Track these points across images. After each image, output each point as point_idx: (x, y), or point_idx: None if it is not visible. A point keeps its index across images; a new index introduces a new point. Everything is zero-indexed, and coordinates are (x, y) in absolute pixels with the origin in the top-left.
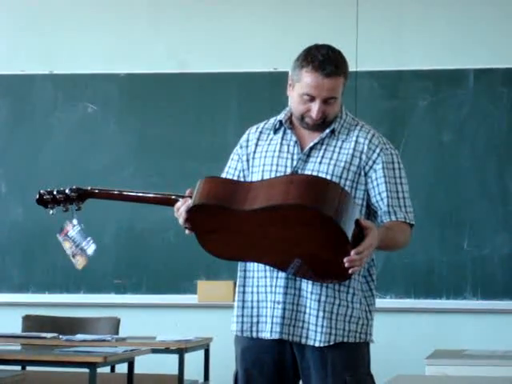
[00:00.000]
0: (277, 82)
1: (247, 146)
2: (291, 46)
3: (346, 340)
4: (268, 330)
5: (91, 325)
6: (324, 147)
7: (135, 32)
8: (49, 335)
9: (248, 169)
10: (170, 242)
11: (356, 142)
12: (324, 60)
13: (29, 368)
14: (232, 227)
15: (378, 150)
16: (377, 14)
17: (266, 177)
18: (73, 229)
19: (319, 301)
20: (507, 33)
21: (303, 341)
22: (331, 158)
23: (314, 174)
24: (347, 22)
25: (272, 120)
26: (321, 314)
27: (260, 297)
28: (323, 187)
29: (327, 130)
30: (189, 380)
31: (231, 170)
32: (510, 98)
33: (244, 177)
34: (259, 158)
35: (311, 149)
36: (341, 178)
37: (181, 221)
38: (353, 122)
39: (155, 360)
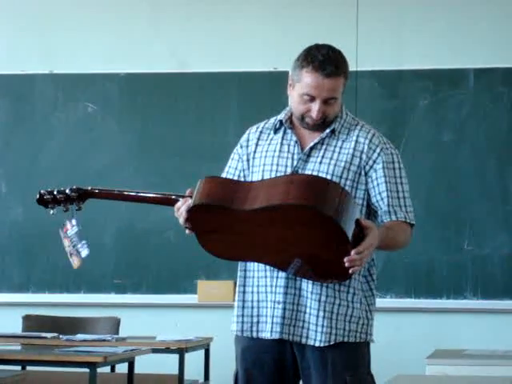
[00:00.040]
0: (277, 81)
1: (247, 146)
2: (291, 46)
3: (346, 340)
4: (268, 330)
5: (91, 325)
6: (324, 147)
7: (135, 32)
8: (49, 335)
9: (248, 168)
10: (170, 242)
11: (356, 141)
12: (324, 60)
13: (29, 368)
14: (232, 227)
15: (378, 150)
16: (377, 14)
17: (267, 176)
18: (71, 228)
19: (319, 301)
20: (507, 32)
21: (303, 341)
22: (331, 158)
23: (315, 173)
24: (347, 21)
25: (272, 120)
26: (321, 313)
27: (260, 297)
28: (323, 187)
29: (327, 130)
30: (189, 380)
31: (231, 170)
32: (510, 98)
33: (244, 176)
34: (259, 157)
35: (311, 149)
36: (341, 177)
37: (181, 221)
38: (353, 121)
39: (155, 360)
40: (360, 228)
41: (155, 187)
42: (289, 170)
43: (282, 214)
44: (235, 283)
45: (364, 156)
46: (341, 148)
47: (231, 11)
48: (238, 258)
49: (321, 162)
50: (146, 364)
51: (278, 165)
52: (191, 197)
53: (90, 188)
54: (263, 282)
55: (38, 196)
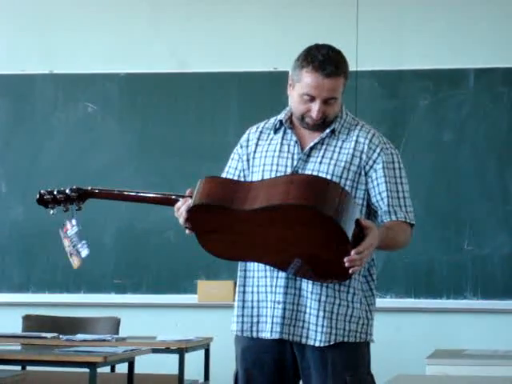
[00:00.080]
0: (277, 81)
1: (247, 146)
2: (291, 46)
3: (346, 340)
4: (268, 330)
5: (91, 325)
6: (324, 147)
7: (135, 32)
8: (49, 335)
9: (248, 168)
10: (170, 242)
11: (356, 141)
12: (324, 60)
13: (29, 368)
14: (232, 227)
15: (378, 150)
16: (377, 14)
17: (267, 176)
18: (71, 228)
19: (319, 301)
20: (507, 32)
21: (303, 341)
22: (331, 158)
23: (315, 173)
24: (347, 21)
25: (272, 120)
26: (321, 313)
27: (260, 297)
28: (323, 187)
29: (327, 130)
30: (189, 380)
31: (231, 170)
32: (510, 98)
33: (244, 176)
34: (259, 157)
35: (311, 149)
36: (341, 177)
37: (181, 221)
38: (353, 121)
39: (155, 360)
40: (360, 228)
41: (155, 187)
42: (289, 170)
43: (281, 214)
44: (235, 283)
45: (364, 156)
46: (341, 148)
47: (231, 11)
48: (238, 258)
49: (321, 162)
50: (146, 364)
51: (278, 165)
52: (191, 197)
53: (90, 188)
54: (263, 282)
55: (38, 196)
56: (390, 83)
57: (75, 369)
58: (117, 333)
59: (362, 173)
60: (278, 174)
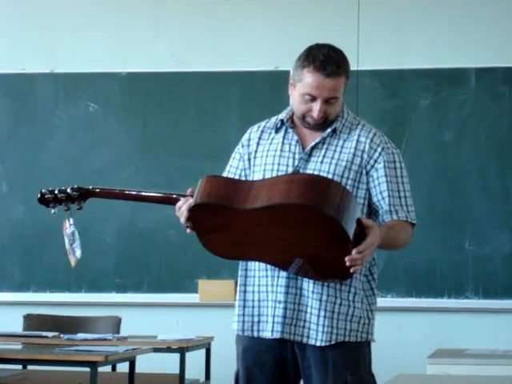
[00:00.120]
0: (278, 80)
1: (249, 145)
2: (292, 45)
3: (347, 339)
4: (269, 330)
5: (92, 324)
6: (325, 146)
7: (136, 31)
8: (50, 334)
9: (249, 168)
10: (172, 241)
11: (357, 141)
12: (325, 60)
13: (30, 367)
14: (233, 226)
15: (379, 149)
16: (378, 13)
17: (268, 176)
18: (69, 227)
19: (320, 300)
20: (508, 32)
21: (304, 340)
22: (333, 158)
23: (316, 173)
24: (348, 20)
25: (273, 119)
26: (322, 313)
27: (261, 296)
28: (324, 186)
29: (329, 130)
30: (190, 379)
31: (233, 169)
32: (511, 97)
33: (245, 176)
34: (261, 157)
35: (313, 148)
36: (342, 177)
37: (182, 220)
38: (354, 121)
39: (156, 359)
40: (361, 227)
41: (156, 186)
42: (290, 170)
43: (282, 214)
44: (236, 282)
45: (365, 155)
46: (342, 147)
47: (232, 10)
48: (239, 257)
49: (322, 162)
50: (146, 363)
51: (279, 164)
52: (192, 196)
53: (91, 187)
54: (264, 282)
55: (39, 195)
56: (391, 82)
57: (76, 368)
58: (118, 332)
59: (364, 172)
60: (280, 174)
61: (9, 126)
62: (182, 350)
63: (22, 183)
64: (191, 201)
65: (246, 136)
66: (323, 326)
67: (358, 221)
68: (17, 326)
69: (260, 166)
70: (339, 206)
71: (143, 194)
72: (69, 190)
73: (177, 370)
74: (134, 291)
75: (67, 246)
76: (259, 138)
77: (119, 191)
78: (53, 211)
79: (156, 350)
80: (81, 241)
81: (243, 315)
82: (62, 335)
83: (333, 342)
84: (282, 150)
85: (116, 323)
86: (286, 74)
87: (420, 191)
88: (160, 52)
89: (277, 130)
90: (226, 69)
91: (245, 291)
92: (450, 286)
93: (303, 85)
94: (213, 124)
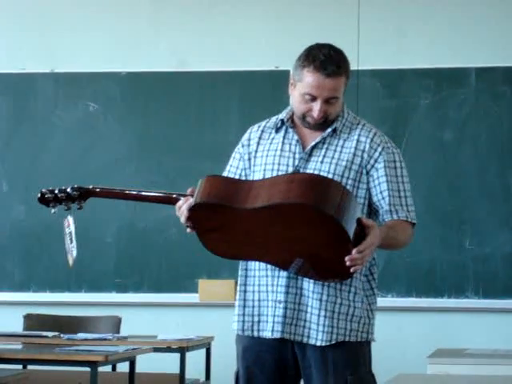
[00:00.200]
0: (278, 80)
1: (249, 145)
2: (293, 45)
3: (347, 339)
4: (269, 329)
5: (92, 323)
6: (326, 146)
7: (136, 31)
8: (50, 334)
9: (250, 167)
10: (172, 241)
11: (358, 140)
12: (325, 60)
13: (30, 367)
14: (233, 226)
15: (379, 149)
16: (378, 13)
17: (268, 176)
18: (68, 227)
19: (321, 300)
20: (509, 31)
21: (305, 340)
22: (333, 157)
23: (316, 173)
24: (349, 20)
25: (274, 119)
26: (322, 313)
27: (261, 296)
28: (325, 186)
29: (329, 129)
30: (190, 379)
31: (233, 169)
32: (511, 97)
33: (246, 175)
34: (261, 156)
35: (313, 148)
36: (342, 176)
37: (182, 219)
38: (354, 120)
39: (156, 359)
40: (361, 227)
41: (156, 186)
42: (290, 170)
43: (283, 213)
44: (236, 282)
45: (365, 155)
46: (342, 147)
47: (232, 10)
48: (240, 256)
49: (322, 162)
50: (147, 363)
51: (279, 164)
52: (192, 196)
53: (91, 187)
54: (264, 282)
55: (39, 195)
56: (391, 82)
57: (76, 368)
58: (118, 332)
59: (364, 172)
60: (280, 173)
61: (9, 125)
62: (182, 349)
63: (22, 183)
64: (191, 200)
65: (246, 136)
66: (323, 325)
67: (358, 220)
68: (17, 326)
69: (260, 166)
70: (339, 205)
71: (143, 193)
72: (69, 190)
73: (177, 370)
74: (134, 291)
75: (67, 245)
76: (259, 138)
77: (119, 191)
78: (53, 211)
79: (156, 349)
80: (80, 241)
81: (243, 315)
82: (62, 335)
83: (333, 342)
84: (282, 150)
85: (116, 323)
86: (286, 73)
87: (420, 191)
88: (160, 52)
89: (277, 130)
90: (226, 69)
91: (245, 291)
92: (450, 285)
93: (303, 84)
94: (213, 124)
